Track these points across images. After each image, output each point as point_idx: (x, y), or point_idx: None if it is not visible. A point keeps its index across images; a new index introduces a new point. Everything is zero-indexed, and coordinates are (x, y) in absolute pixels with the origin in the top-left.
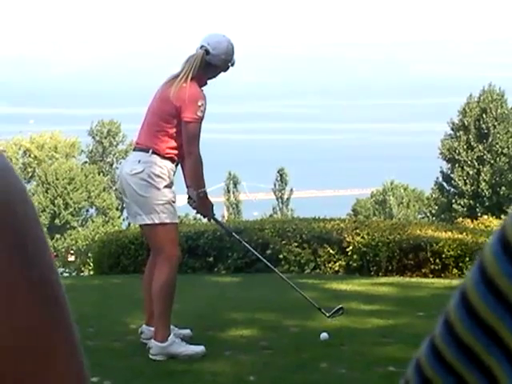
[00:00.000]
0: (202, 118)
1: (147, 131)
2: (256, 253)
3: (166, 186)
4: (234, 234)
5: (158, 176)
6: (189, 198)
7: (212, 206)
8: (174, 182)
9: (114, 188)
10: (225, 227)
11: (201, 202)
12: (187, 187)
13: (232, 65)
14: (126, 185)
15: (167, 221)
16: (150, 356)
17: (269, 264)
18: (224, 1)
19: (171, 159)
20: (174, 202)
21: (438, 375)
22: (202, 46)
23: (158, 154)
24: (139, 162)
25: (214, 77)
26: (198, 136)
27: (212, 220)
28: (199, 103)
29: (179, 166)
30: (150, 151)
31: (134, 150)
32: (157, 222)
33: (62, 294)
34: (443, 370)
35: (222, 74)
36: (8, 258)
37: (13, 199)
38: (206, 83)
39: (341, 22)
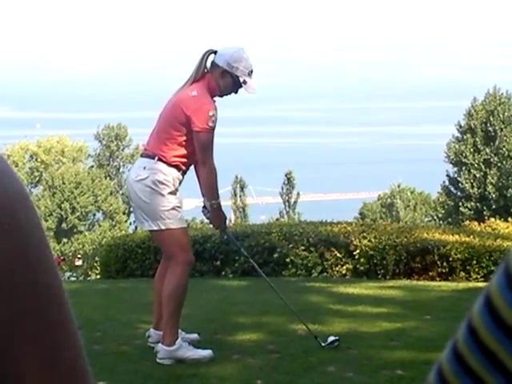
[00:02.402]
0: (213, 128)
1: (156, 138)
2: (259, 269)
3: (170, 193)
4: (242, 249)
5: (162, 183)
6: (203, 207)
7: (225, 218)
8: (178, 189)
9: (120, 192)
10: (234, 241)
11: (214, 214)
12: (202, 196)
13: (244, 82)
14: (131, 191)
15: (173, 227)
16: (158, 360)
17: (270, 282)
18: (234, 7)
19: (177, 167)
20: (179, 207)
21: (460, 381)
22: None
23: (164, 162)
24: (144, 168)
25: (228, 91)
26: (211, 146)
27: (223, 233)
28: (210, 113)
29: (189, 173)
30: (156, 158)
31: (141, 156)
32: (163, 228)
33: (64, 298)
34: (466, 375)
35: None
36: (11, 263)
37: (15, 205)
38: (220, 95)
39: (350, 26)
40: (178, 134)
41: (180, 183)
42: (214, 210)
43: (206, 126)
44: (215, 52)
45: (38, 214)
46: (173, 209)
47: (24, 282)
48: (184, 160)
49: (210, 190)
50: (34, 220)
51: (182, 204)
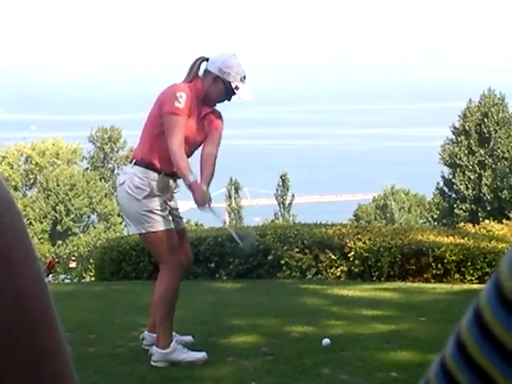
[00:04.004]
0: (181, 111)
1: (139, 141)
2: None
3: (146, 197)
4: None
5: (137, 187)
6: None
7: (206, 194)
8: (163, 191)
9: (115, 194)
10: (217, 215)
11: (192, 192)
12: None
13: (236, 88)
14: (117, 195)
15: (153, 230)
16: (152, 363)
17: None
18: (231, 9)
19: (155, 169)
20: (159, 210)
21: None
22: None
23: (141, 165)
24: (124, 173)
25: (222, 98)
26: (177, 129)
27: (204, 208)
28: (178, 94)
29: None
30: (133, 162)
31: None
32: (143, 231)
33: (49, 304)
34: None
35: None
36: None
37: None
38: (214, 102)
39: (347, 28)
40: (156, 133)
41: (166, 185)
42: (190, 189)
43: (172, 108)
44: (207, 59)
45: (23, 219)
46: (150, 212)
47: (8, 288)
48: (162, 161)
49: (178, 171)
50: (20, 225)
51: (163, 206)
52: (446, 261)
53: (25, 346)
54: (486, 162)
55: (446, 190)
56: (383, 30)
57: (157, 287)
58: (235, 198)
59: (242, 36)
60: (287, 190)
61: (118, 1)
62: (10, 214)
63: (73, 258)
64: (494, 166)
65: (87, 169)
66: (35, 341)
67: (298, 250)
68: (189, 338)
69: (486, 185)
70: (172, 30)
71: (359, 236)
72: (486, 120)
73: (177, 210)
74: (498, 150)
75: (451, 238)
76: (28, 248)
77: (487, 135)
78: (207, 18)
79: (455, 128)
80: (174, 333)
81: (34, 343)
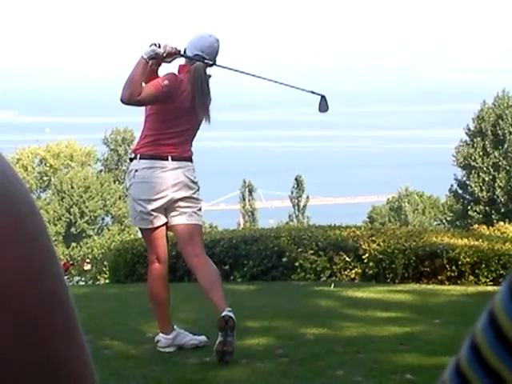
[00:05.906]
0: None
1: (183, 141)
2: None
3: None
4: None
5: (196, 182)
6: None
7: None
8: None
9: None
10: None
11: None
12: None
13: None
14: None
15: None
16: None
17: None
18: (238, 14)
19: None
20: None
21: None
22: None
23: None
24: (184, 167)
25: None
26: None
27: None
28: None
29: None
30: (188, 158)
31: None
32: (200, 222)
33: (71, 306)
34: None
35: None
36: (17, 271)
37: (20, 211)
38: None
39: (359, 30)
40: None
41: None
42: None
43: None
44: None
45: (43, 220)
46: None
47: (31, 290)
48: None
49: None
50: (40, 226)
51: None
52: (460, 263)
53: (46, 346)
54: (500, 163)
55: (460, 191)
56: (394, 31)
57: (207, 271)
58: (249, 200)
59: (254, 39)
60: (302, 191)
61: (131, 3)
62: (31, 214)
63: (87, 260)
64: (508, 168)
65: (101, 171)
66: (57, 342)
67: (312, 252)
68: (203, 338)
69: (500, 187)
70: (185, 30)
71: (373, 238)
72: (500, 122)
73: None
74: None
75: (465, 240)
76: (50, 249)
77: (501, 137)
78: (219, 20)
79: (469, 130)
80: (187, 332)
81: (56, 344)
